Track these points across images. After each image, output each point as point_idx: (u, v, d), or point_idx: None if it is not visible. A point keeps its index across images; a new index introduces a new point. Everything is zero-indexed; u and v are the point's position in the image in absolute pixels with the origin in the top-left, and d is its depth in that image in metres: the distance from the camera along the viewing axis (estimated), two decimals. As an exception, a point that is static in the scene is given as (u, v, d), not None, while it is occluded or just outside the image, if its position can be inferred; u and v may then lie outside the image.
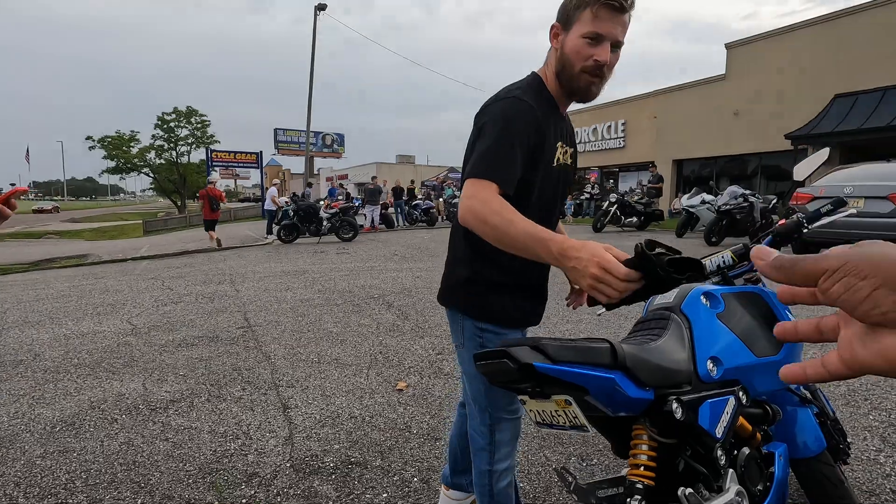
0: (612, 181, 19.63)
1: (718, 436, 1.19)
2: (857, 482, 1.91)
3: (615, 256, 0.97)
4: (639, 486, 1.15)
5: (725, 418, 1.23)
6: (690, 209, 10.75)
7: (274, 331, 4.42)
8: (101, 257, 12.26)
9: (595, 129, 22.66)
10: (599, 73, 1.23)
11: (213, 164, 27.02)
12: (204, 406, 2.88)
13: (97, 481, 2.15)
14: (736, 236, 9.08)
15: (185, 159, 39.15)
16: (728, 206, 9.17)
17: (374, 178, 17.24)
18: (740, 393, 1.29)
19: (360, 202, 15.64)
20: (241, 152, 27.64)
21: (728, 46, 17.03)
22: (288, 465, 2.22)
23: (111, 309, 5.59)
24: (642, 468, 1.17)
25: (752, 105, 16.14)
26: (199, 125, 38.63)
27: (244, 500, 1.97)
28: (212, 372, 3.43)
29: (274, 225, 14.47)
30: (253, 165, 27.96)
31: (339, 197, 16.51)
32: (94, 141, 37.03)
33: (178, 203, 40.03)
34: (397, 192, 18.06)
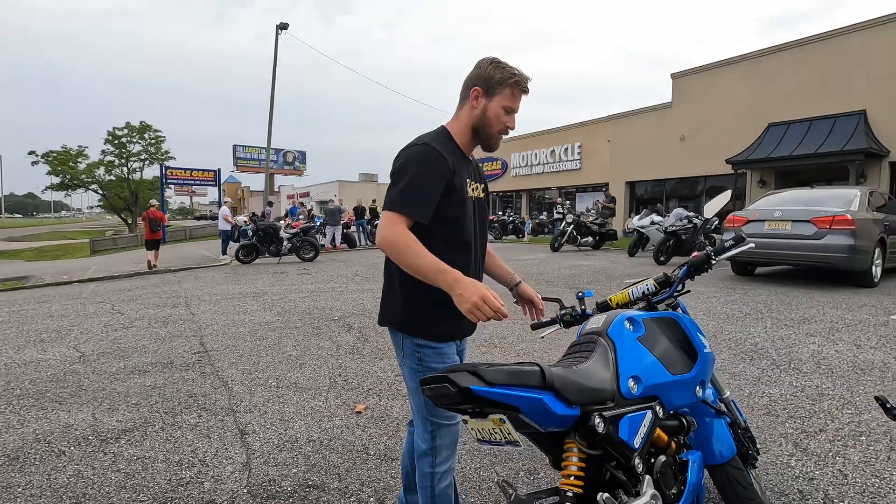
0: (568, 202, 20.35)
1: (636, 446, 1.35)
2: (771, 484, 2.13)
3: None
4: (569, 493, 1.29)
5: (643, 430, 1.39)
6: (641, 230, 11.31)
7: (231, 355, 4.38)
8: (44, 279, 11.64)
9: (553, 150, 23.49)
10: (506, 133, 1.61)
11: (168, 181, 26.19)
12: (158, 435, 2.84)
13: (44, 516, 2.11)
14: (682, 255, 9.61)
15: (137, 176, 37.73)
16: (674, 227, 9.72)
17: (333, 198, 17.23)
18: (657, 407, 1.46)
19: (321, 221, 15.55)
20: (198, 170, 26.91)
21: (673, 76, 18.16)
22: (245, 490, 2.25)
23: (56, 335, 5.36)
24: (572, 478, 1.31)
25: (696, 131, 17.22)
26: (153, 140, 37.39)
27: (200, 528, 1.99)
28: (166, 399, 3.38)
29: (232, 242, 14.19)
30: (210, 183, 27.26)
31: (300, 216, 16.36)
32: (37, 156, 35.18)
33: (129, 221, 38.37)
34: (358, 211, 18.07)
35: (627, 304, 1.81)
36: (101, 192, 38.16)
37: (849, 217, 6.42)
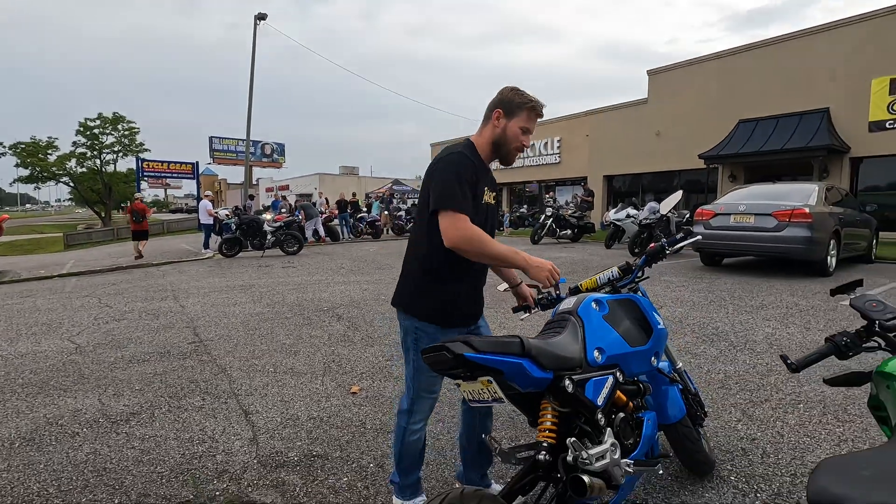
0: (548, 195, 20.79)
1: (599, 404, 1.63)
2: (719, 444, 2.46)
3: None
4: (545, 444, 1.56)
5: (605, 391, 1.67)
6: (617, 223, 11.73)
7: (226, 344, 4.56)
8: (21, 274, 11.49)
9: (533, 144, 23.85)
10: (521, 151, 1.89)
11: (145, 174, 25.74)
12: (166, 416, 3.04)
13: (70, 487, 2.31)
14: (656, 247, 10.06)
15: (110, 168, 36.83)
16: (648, 221, 10.15)
17: (313, 191, 17.32)
18: (618, 373, 1.75)
19: (299, 214, 15.62)
20: (176, 162, 26.52)
21: (649, 73, 18.65)
22: (255, 461, 2.47)
23: (47, 328, 5.44)
24: (547, 431, 1.59)
25: (670, 127, 17.75)
26: (126, 132, 36.51)
27: (218, 493, 2.22)
28: (169, 385, 3.56)
29: (214, 235, 14.20)
30: (188, 176, 26.90)
31: (283, 210, 16.37)
32: (4, 147, 34.07)
33: (103, 214, 37.50)
34: (341, 205, 18.17)
35: (595, 289, 2.09)
36: (72, 185, 37.16)
37: (806, 211, 6.88)
